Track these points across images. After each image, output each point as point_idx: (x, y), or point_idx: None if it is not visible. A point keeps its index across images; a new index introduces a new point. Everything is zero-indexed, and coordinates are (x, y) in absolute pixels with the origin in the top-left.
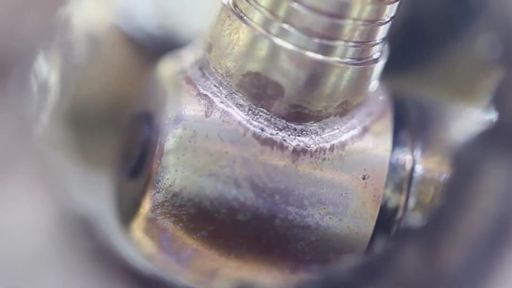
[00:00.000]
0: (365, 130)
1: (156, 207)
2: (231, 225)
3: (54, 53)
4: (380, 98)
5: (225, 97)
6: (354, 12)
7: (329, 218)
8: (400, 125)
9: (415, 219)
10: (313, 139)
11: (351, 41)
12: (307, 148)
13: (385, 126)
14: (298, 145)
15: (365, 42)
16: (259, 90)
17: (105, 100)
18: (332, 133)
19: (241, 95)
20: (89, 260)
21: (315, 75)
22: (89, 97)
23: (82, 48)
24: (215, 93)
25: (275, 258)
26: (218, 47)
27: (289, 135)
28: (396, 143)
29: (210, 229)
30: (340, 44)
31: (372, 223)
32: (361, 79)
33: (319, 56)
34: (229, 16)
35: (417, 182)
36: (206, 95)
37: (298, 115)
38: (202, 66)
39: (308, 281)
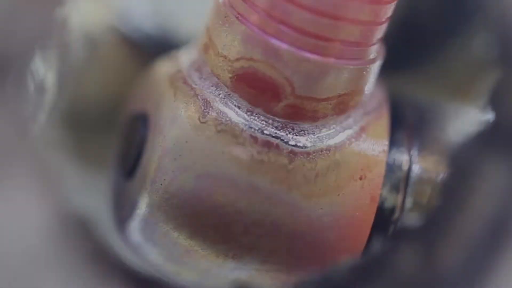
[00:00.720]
0: (361, 130)
1: (152, 207)
2: (228, 226)
3: (51, 53)
4: (377, 98)
5: (222, 98)
6: (351, 12)
7: (326, 218)
8: (397, 125)
9: (412, 219)
10: (309, 139)
11: (348, 42)
12: (303, 148)
13: (382, 126)
14: (295, 145)
15: (362, 43)
16: (256, 91)
17: (102, 101)
18: (328, 133)
19: (238, 95)
20: (86, 261)
21: (312, 76)
22: (86, 98)
23: (79, 48)
24: (212, 94)
25: (273, 258)
26: (215, 47)
27: (286, 135)
28: (393, 143)
29: (207, 230)
30: (336, 44)
31: (369, 223)
32: (358, 79)
33: (315, 57)
34: (225, 17)
35: (414, 182)
36: (202, 96)
37: (295, 115)
38: (199, 66)
39: (306, 281)
